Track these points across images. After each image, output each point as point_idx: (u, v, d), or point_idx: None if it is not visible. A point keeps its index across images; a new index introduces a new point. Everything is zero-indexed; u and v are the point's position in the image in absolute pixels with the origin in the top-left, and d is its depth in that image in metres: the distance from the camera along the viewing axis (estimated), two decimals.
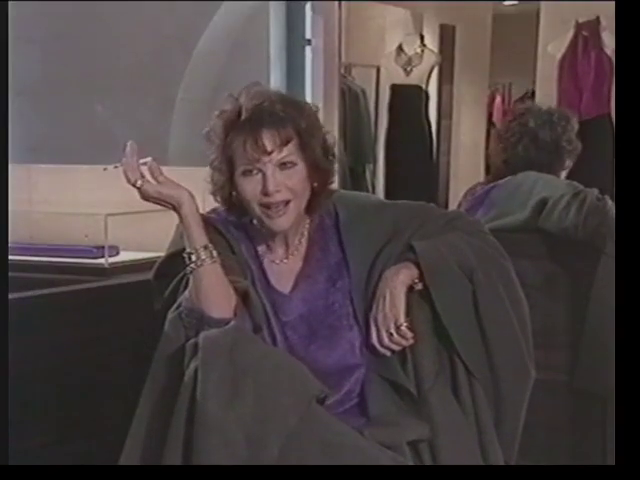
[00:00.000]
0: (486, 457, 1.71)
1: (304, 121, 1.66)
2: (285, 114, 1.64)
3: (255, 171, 1.64)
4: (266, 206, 1.65)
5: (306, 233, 1.77)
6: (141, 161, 1.58)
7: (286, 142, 1.63)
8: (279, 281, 1.75)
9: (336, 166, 1.76)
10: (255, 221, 1.74)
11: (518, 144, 2.63)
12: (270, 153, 1.62)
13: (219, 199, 1.72)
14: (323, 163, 1.70)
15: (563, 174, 2.68)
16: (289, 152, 1.64)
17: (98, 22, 3.48)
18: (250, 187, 1.65)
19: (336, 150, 1.77)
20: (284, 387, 1.49)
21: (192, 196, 1.60)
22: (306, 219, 1.77)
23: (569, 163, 2.66)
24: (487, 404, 1.73)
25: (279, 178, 1.64)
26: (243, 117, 1.63)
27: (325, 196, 1.75)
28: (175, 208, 1.59)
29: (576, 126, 2.68)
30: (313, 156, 1.67)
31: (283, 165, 1.64)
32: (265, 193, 1.63)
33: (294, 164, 1.65)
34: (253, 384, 1.47)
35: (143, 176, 1.58)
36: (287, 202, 1.66)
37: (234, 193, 1.69)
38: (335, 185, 1.81)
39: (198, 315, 1.57)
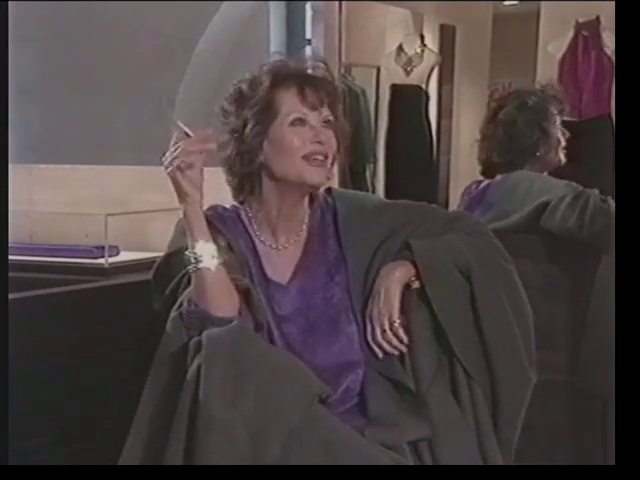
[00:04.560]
0: (485, 457, 1.71)
1: (335, 90, 1.75)
2: (330, 78, 1.74)
3: (303, 122, 1.70)
4: (309, 157, 1.69)
5: (305, 225, 1.78)
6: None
7: (329, 103, 1.72)
8: (277, 271, 1.75)
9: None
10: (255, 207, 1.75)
11: (494, 138, 2.63)
12: (314, 110, 1.70)
13: (237, 165, 1.72)
14: (343, 132, 1.76)
15: (561, 155, 2.67)
16: (329, 112, 1.72)
17: (98, 22, 3.48)
18: (298, 137, 1.69)
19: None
20: (286, 386, 1.49)
21: (201, 198, 1.59)
22: (307, 205, 1.79)
23: (557, 137, 2.64)
24: (485, 405, 1.73)
25: (324, 133, 1.70)
26: (295, 70, 1.72)
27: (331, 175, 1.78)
28: (182, 202, 1.59)
29: (553, 94, 2.66)
30: (340, 123, 1.74)
31: (325, 123, 1.71)
32: (318, 141, 1.69)
33: (332, 125, 1.72)
34: (256, 383, 1.47)
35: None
36: (325, 158, 1.70)
37: (260, 158, 1.70)
38: (335, 185, 1.83)
39: (200, 315, 1.57)
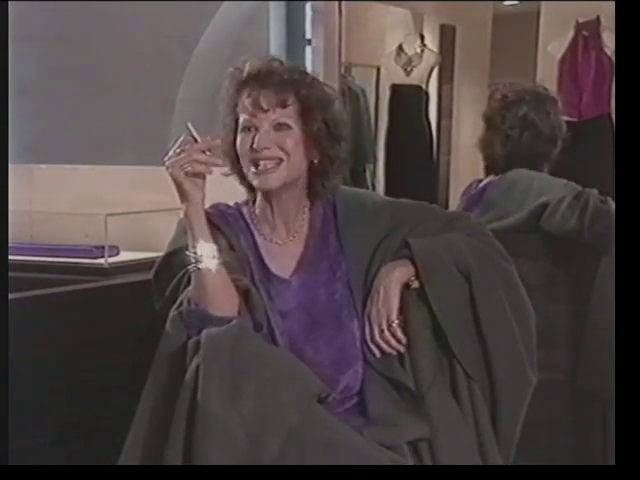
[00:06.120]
0: (484, 457, 1.71)
1: (306, 89, 1.70)
2: (288, 78, 1.69)
3: (252, 128, 1.68)
4: (255, 163, 1.68)
5: (306, 220, 1.79)
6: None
7: (283, 104, 1.68)
8: (280, 265, 1.76)
9: (341, 149, 1.75)
10: (257, 202, 1.77)
11: (520, 139, 2.56)
12: (266, 111, 1.67)
13: (228, 162, 1.75)
14: (323, 137, 1.72)
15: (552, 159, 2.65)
16: (285, 114, 1.68)
17: (98, 22, 3.48)
18: (244, 143, 1.69)
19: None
20: (285, 385, 1.49)
21: (203, 198, 1.61)
22: (306, 201, 1.79)
23: (559, 147, 2.63)
24: (485, 405, 1.73)
25: (272, 137, 1.67)
26: (246, 76, 1.69)
27: (328, 182, 1.76)
28: (183, 201, 1.60)
29: (561, 106, 2.65)
30: (311, 125, 1.70)
31: (278, 126, 1.68)
32: (253, 148, 1.67)
33: (289, 127, 1.69)
34: (254, 382, 1.47)
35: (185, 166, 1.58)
36: (279, 161, 1.68)
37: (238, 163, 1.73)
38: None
39: (200, 315, 1.57)
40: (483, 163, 2.70)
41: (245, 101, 1.69)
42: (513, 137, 2.57)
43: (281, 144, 1.68)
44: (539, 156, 2.58)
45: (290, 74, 1.70)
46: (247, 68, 1.71)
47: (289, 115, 1.69)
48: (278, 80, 1.68)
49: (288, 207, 1.76)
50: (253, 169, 1.69)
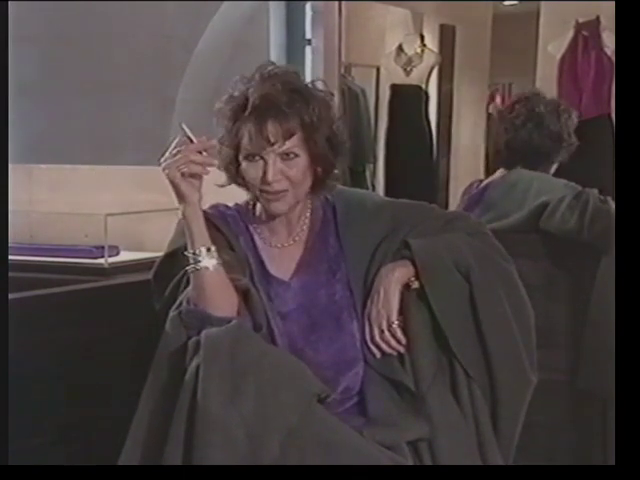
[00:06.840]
0: (485, 457, 1.71)
1: (309, 115, 1.67)
2: (290, 108, 1.66)
3: (257, 157, 1.67)
4: (265, 192, 1.68)
5: (307, 221, 1.79)
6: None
7: (289, 135, 1.66)
8: (279, 267, 1.76)
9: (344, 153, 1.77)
10: (257, 206, 1.77)
11: (522, 127, 2.59)
12: (273, 144, 1.65)
13: (226, 175, 1.75)
14: (327, 153, 1.72)
15: (553, 168, 2.66)
16: (292, 144, 1.67)
17: (98, 22, 3.48)
18: (252, 172, 1.68)
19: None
20: (285, 385, 1.50)
21: (200, 198, 1.61)
22: (308, 204, 1.79)
23: (564, 156, 2.64)
24: (485, 405, 1.73)
25: (280, 167, 1.67)
26: (250, 108, 1.65)
27: (330, 179, 1.77)
28: (181, 202, 1.60)
29: (576, 122, 2.67)
30: (316, 148, 1.69)
31: (286, 155, 1.67)
32: (264, 182, 1.66)
33: (296, 155, 1.68)
34: (254, 382, 1.47)
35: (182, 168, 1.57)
36: (285, 190, 1.68)
37: (238, 177, 1.72)
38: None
39: (199, 315, 1.57)
40: (487, 169, 2.72)
41: (249, 134, 1.66)
42: (517, 125, 2.60)
43: (289, 174, 1.67)
44: (540, 150, 2.59)
45: (291, 102, 1.66)
46: (250, 100, 1.65)
47: (295, 144, 1.67)
48: (281, 112, 1.65)
49: (292, 214, 1.76)
50: (263, 197, 1.70)
